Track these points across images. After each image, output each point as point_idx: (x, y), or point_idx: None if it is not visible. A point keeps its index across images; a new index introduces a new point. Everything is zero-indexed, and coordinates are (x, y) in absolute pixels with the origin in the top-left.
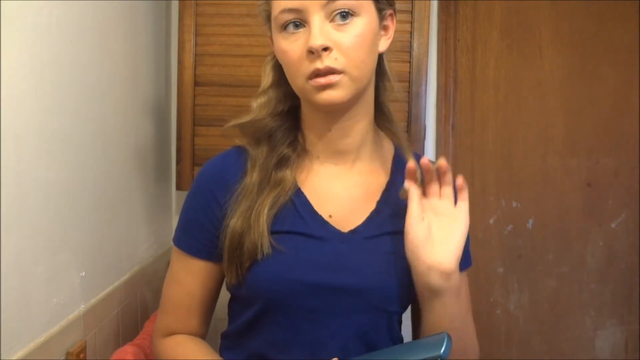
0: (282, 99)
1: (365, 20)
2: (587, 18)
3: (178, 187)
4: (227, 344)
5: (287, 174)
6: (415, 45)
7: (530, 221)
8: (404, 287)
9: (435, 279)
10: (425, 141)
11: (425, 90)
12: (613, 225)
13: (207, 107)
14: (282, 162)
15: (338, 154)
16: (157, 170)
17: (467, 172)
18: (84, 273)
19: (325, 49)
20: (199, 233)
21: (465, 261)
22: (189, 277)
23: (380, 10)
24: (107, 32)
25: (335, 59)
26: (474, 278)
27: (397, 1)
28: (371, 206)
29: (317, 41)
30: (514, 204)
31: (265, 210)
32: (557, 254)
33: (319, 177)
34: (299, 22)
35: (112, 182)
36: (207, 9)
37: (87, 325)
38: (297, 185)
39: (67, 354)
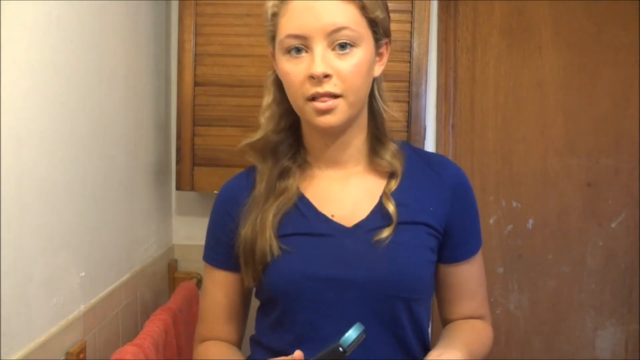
0: (283, 114)
1: (363, 50)
2: (587, 18)
3: (178, 187)
4: (254, 346)
5: (290, 182)
6: (415, 45)
7: (530, 221)
8: (410, 275)
9: None
10: (426, 141)
11: (425, 90)
12: (613, 225)
13: (207, 107)
14: (285, 173)
15: (337, 163)
16: (157, 170)
17: (467, 172)
18: (84, 273)
19: (327, 75)
20: (220, 248)
21: (477, 245)
22: (216, 287)
23: (377, 40)
24: (107, 32)
25: (335, 84)
26: None
27: (397, 1)
28: (374, 202)
29: (319, 69)
30: (514, 204)
31: (270, 217)
32: (557, 254)
33: (321, 182)
34: (302, 47)
35: (112, 182)
36: (207, 9)
37: (87, 325)
38: (301, 191)
39: (67, 354)
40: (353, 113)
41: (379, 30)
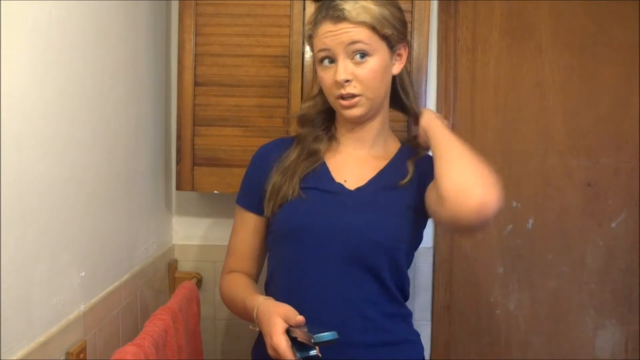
0: (325, 101)
1: (377, 58)
2: (587, 18)
3: (178, 187)
4: (265, 288)
5: (318, 148)
6: (415, 45)
7: (530, 221)
8: (392, 226)
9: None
10: None
11: (425, 90)
12: (613, 225)
13: (207, 107)
14: (316, 141)
15: (357, 141)
16: (157, 170)
17: None
18: (84, 273)
19: (347, 80)
20: (253, 193)
21: None
22: (244, 229)
23: (391, 47)
24: (107, 32)
25: (354, 86)
26: (474, 278)
27: (397, 1)
28: (373, 174)
29: (341, 76)
30: (514, 204)
31: (300, 169)
32: (557, 254)
33: (340, 155)
34: (331, 59)
35: (112, 182)
36: (207, 9)
37: (87, 325)
38: (324, 159)
39: (67, 354)
40: (373, 105)
41: (392, 41)
